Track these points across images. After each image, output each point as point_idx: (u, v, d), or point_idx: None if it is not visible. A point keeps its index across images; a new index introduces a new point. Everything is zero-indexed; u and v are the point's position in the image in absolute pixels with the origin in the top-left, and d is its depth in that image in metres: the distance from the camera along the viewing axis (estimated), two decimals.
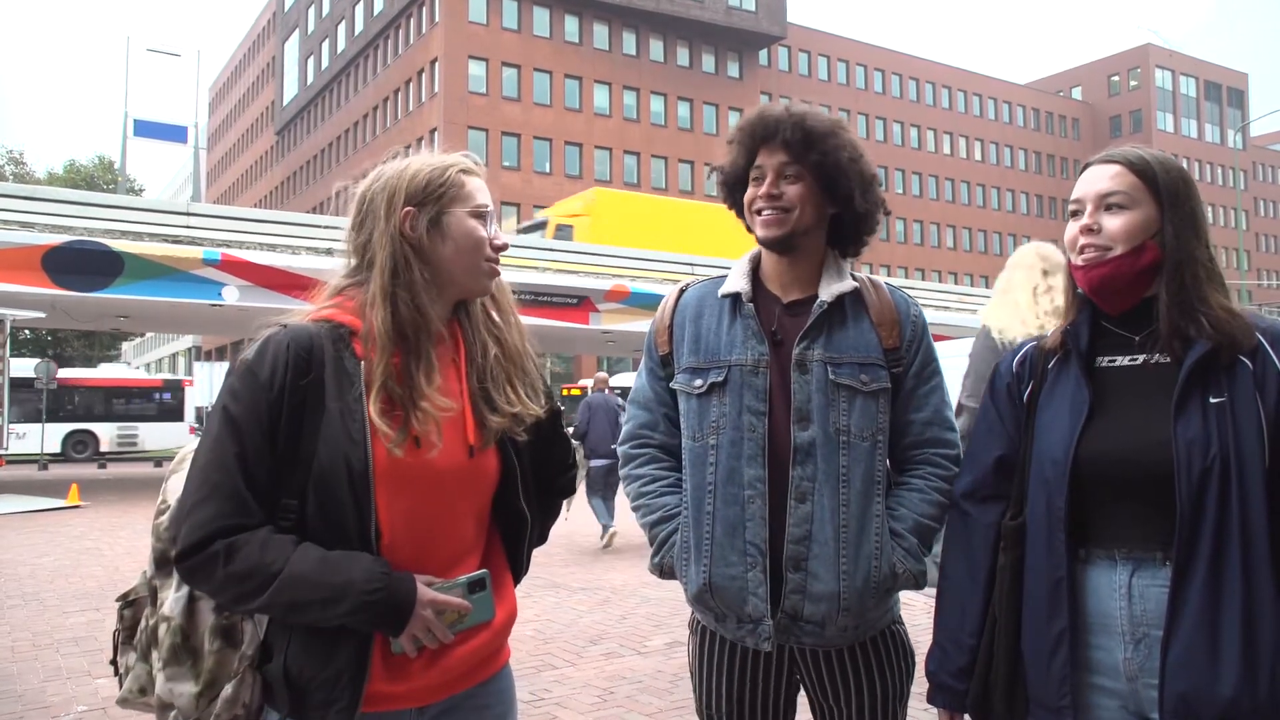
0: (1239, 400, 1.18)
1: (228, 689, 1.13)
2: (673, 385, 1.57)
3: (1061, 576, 1.23)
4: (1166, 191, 1.25)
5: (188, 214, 14.93)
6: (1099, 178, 1.28)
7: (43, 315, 15.07)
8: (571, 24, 37.67)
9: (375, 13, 40.78)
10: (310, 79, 48.01)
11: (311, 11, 47.97)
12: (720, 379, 1.48)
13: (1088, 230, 1.27)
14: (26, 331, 35.04)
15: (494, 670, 1.24)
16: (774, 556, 1.43)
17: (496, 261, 1.25)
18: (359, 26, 42.63)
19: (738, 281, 1.54)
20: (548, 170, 36.78)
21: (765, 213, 1.48)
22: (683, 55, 39.91)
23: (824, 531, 1.42)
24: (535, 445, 1.30)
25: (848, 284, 1.51)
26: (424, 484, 1.16)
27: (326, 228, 16.17)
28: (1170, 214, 1.25)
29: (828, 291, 1.49)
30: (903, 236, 48.72)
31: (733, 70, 41.21)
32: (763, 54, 43.02)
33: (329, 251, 15.11)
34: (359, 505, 1.12)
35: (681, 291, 1.62)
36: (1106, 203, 1.26)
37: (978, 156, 52.28)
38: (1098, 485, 1.23)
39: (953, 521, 1.41)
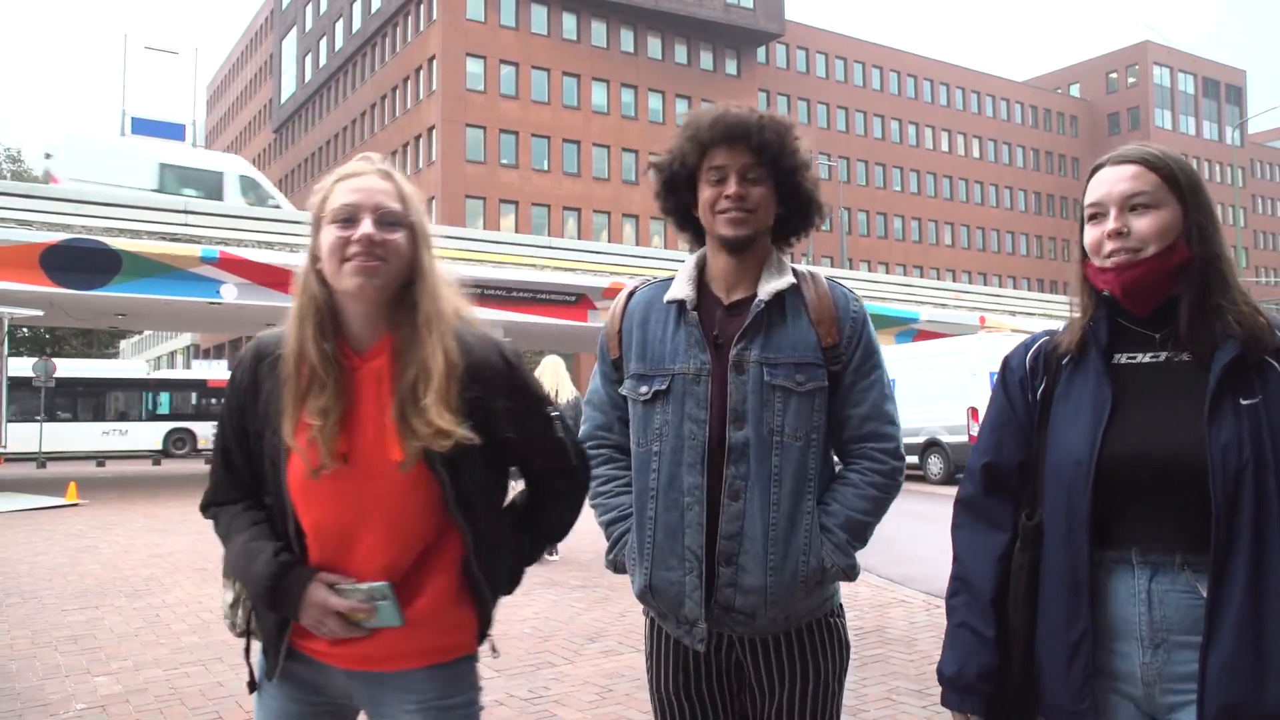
0: (1272, 401, 1.16)
1: (239, 611, 1.38)
2: (621, 391, 1.61)
3: (1083, 579, 1.20)
4: (1188, 188, 1.23)
5: (185, 212, 14.90)
6: (1118, 179, 1.24)
7: (41, 313, 15.05)
8: (569, 21, 37.62)
9: (373, 10, 40.71)
10: (308, 77, 47.93)
11: (309, 9, 47.86)
12: (664, 387, 1.52)
13: (1117, 234, 1.22)
14: (24, 330, 34.99)
15: (425, 664, 1.29)
16: (710, 558, 1.49)
17: (361, 256, 1.22)
18: (356, 24, 42.56)
19: (682, 288, 1.56)
20: (545, 168, 36.75)
21: (731, 213, 1.50)
22: (680, 53, 39.86)
23: (754, 528, 1.46)
24: (490, 458, 1.29)
25: (785, 280, 1.52)
26: (336, 495, 1.24)
27: None
28: (1193, 211, 1.22)
29: (765, 290, 1.51)
30: (900, 234, 48.72)
31: (730, 68, 41.18)
32: (760, 51, 42.98)
33: None
34: (282, 506, 1.29)
35: (630, 295, 1.64)
36: (1132, 203, 1.22)
37: (976, 154, 52.31)
38: (1120, 485, 1.19)
39: (961, 517, 1.37)
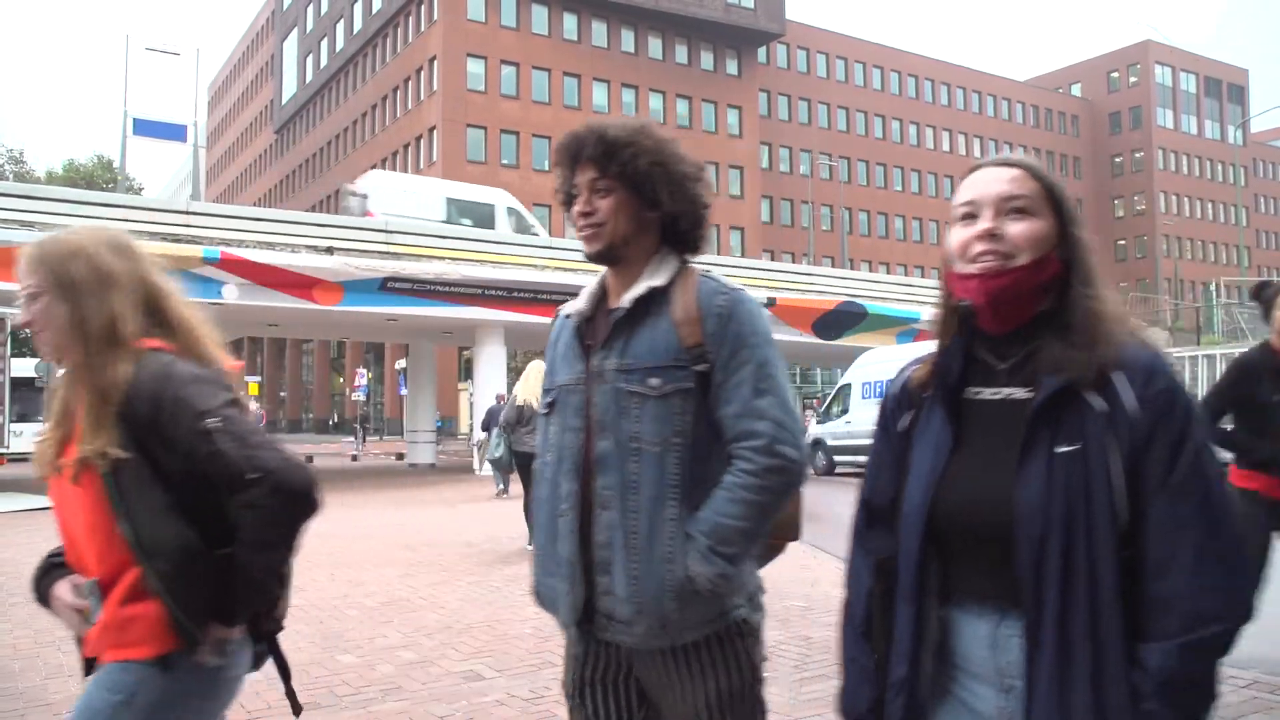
0: (1091, 447, 1.06)
1: None
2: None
3: (907, 624, 1.17)
4: (1064, 203, 1.16)
5: (187, 213, 14.92)
6: (996, 179, 1.16)
7: None
8: (570, 22, 37.65)
9: (374, 11, 40.76)
10: (309, 77, 47.98)
11: (310, 10, 47.91)
12: (552, 400, 1.58)
13: (990, 235, 1.13)
14: (27, 330, 35.01)
15: (115, 658, 1.44)
16: (587, 565, 1.51)
17: (33, 335, 1.51)
18: (357, 24, 42.61)
19: (577, 301, 1.60)
20: (546, 168, 36.72)
21: (583, 230, 1.53)
22: (681, 53, 39.89)
23: (618, 538, 1.47)
24: (161, 473, 1.43)
25: (645, 285, 1.51)
26: (58, 503, 1.50)
27: (326, 225, 16.18)
28: (1067, 227, 1.15)
29: (627, 297, 1.51)
30: (901, 234, 48.73)
31: (731, 68, 41.20)
32: (761, 51, 43.00)
33: (329, 250, 15.12)
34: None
35: (559, 312, 1.69)
36: (1009, 207, 1.14)
37: (977, 153, 52.30)
38: (949, 536, 1.15)
39: (850, 547, 1.33)
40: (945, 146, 50.98)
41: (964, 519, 1.13)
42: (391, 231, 16.55)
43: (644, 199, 1.51)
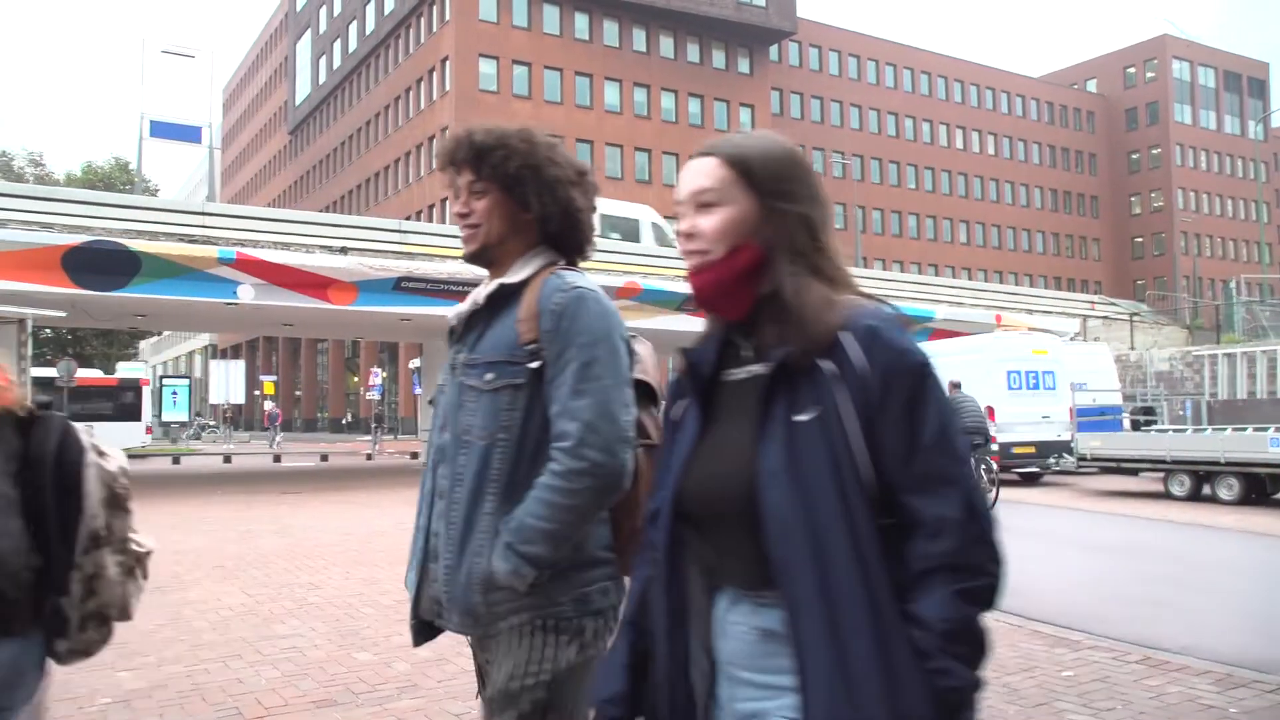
0: (828, 412, 1.04)
1: None
2: None
3: (664, 614, 1.15)
4: (764, 179, 1.12)
5: (203, 214, 15.07)
6: (691, 174, 1.15)
7: (63, 314, 15.26)
8: (581, 21, 37.68)
9: (386, 12, 40.94)
10: (322, 78, 48.27)
11: (323, 11, 48.20)
12: (432, 399, 1.66)
13: (686, 235, 1.15)
14: (47, 330, 35.45)
15: None
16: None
17: None
18: (370, 26, 42.81)
19: (464, 304, 1.62)
20: None
21: (462, 231, 1.58)
22: (693, 51, 39.83)
23: (443, 527, 1.52)
24: None
25: (497, 283, 1.54)
26: None
27: (340, 225, 16.27)
28: (769, 204, 1.12)
29: (481, 294, 1.55)
30: (915, 232, 48.46)
31: (743, 66, 41.11)
32: (773, 49, 42.87)
33: (343, 250, 15.22)
34: None
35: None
36: (698, 201, 1.14)
37: (991, 151, 51.93)
38: (694, 518, 1.14)
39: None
40: (959, 144, 50.64)
41: (707, 500, 1.12)
42: (405, 232, 16.64)
43: (517, 201, 1.54)
